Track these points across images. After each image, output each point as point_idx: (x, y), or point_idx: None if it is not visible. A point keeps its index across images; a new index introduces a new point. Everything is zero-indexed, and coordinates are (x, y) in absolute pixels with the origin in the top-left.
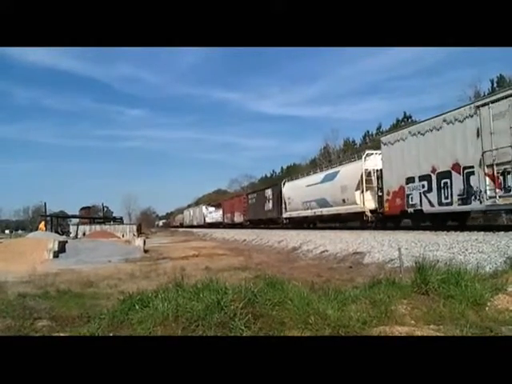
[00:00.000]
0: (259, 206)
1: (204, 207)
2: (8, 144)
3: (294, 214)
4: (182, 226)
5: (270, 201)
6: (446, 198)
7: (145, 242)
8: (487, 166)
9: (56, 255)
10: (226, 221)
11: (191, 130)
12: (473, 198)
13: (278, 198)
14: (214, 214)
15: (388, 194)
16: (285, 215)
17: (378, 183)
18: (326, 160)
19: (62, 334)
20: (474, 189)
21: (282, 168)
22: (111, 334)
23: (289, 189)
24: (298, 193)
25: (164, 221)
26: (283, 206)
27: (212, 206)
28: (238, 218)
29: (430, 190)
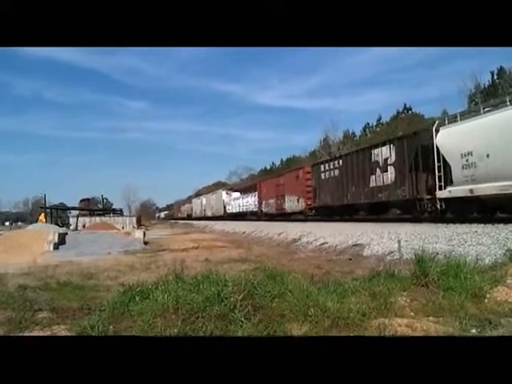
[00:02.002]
0: (352, 179)
1: (224, 193)
2: (8, 136)
3: (492, 188)
4: (190, 217)
5: (389, 168)
6: None
7: (144, 233)
8: None
9: (56, 247)
10: (265, 209)
11: (192, 122)
12: None
13: (415, 162)
14: (240, 202)
15: None
16: (446, 193)
17: None
18: (326, 152)
19: (61, 330)
20: None
21: (281, 160)
22: (112, 326)
23: (467, 136)
24: None
25: (166, 212)
26: (437, 174)
27: (236, 190)
28: (294, 204)
29: None
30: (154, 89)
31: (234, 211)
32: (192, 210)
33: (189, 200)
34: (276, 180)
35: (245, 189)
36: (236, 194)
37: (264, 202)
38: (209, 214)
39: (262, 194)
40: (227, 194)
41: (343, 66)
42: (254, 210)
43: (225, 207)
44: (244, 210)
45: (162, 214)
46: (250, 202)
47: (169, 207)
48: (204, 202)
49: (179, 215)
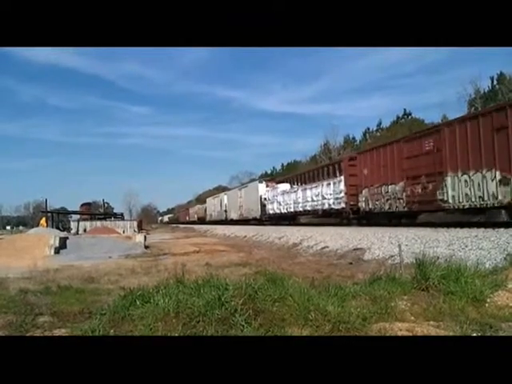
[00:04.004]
0: None
1: (262, 186)
2: (10, 141)
3: None
4: (203, 221)
5: None
6: None
7: (145, 238)
8: None
9: (57, 251)
10: (372, 205)
11: (194, 128)
12: None
13: None
14: (296, 196)
15: None
16: None
17: None
18: (327, 157)
19: (62, 331)
20: None
21: (282, 165)
22: (112, 330)
23: None
24: None
25: (170, 215)
26: None
27: (280, 181)
28: (487, 188)
29: None
30: (156, 95)
31: (282, 211)
32: (206, 211)
33: (201, 201)
34: (408, 146)
35: (304, 175)
36: (284, 186)
37: (367, 191)
38: (233, 216)
39: (359, 177)
40: (268, 187)
41: (345, 72)
42: (334, 206)
43: (264, 206)
44: (306, 208)
45: (166, 218)
46: (322, 193)
47: (170, 211)
48: (225, 200)
49: (187, 219)
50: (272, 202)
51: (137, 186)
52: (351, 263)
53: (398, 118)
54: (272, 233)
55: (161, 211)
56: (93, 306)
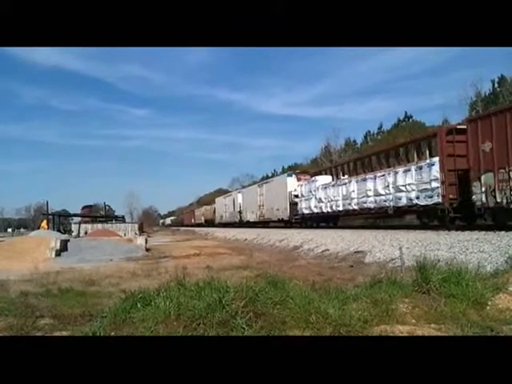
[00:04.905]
0: None
1: (291, 179)
2: (11, 143)
3: None
4: (211, 224)
5: None
6: None
7: (146, 240)
8: None
9: (58, 254)
10: None
11: (195, 130)
12: None
13: None
14: (342, 191)
15: None
16: None
17: None
18: (328, 159)
19: (63, 334)
20: None
21: (283, 167)
22: (113, 333)
23: None
24: None
25: (173, 218)
26: None
27: (315, 173)
28: None
29: None
30: (158, 97)
31: (324, 211)
32: (215, 212)
33: (206, 202)
34: None
35: (355, 163)
36: (325, 178)
37: (491, 177)
38: (250, 217)
39: (472, 155)
40: (300, 179)
41: (346, 76)
42: (420, 202)
43: (294, 205)
44: (365, 205)
45: (168, 220)
46: (396, 184)
47: (171, 214)
48: (239, 199)
49: (193, 221)
50: (308, 199)
51: (138, 188)
52: (352, 266)
53: (399, 120)
54: (273, 236)
55: (162, 214)
56: (94, 309)
